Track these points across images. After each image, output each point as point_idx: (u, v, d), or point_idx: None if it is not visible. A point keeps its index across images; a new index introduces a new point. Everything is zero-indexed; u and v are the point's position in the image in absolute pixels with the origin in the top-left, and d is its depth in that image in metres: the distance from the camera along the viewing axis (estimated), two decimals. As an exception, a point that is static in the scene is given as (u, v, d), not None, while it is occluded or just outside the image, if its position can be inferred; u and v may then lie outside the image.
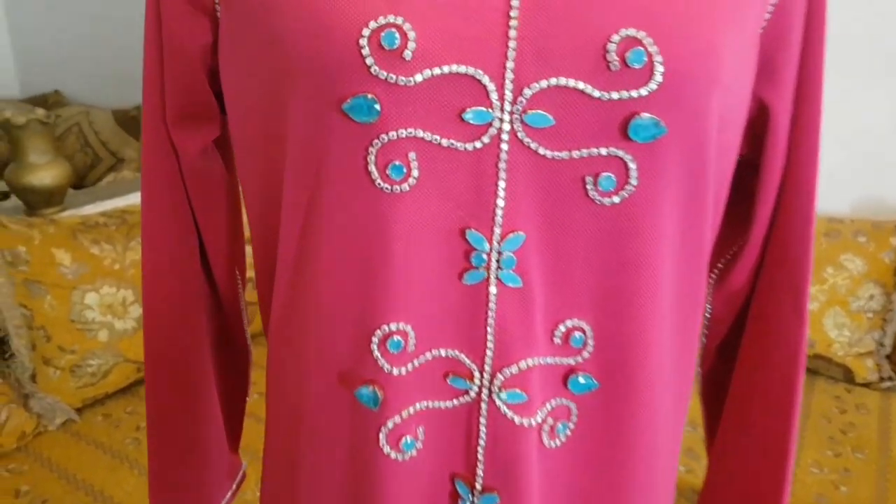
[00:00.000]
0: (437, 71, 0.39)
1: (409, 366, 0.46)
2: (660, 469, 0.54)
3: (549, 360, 0.47)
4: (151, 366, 0.61)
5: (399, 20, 0.39)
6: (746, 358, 0.61)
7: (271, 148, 0.46)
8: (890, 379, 1.64)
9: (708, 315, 0.61)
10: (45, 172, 1.84)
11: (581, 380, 0.47)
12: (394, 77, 0.39)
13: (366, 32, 0.39)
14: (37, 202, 1.89)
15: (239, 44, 0.46)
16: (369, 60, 0.39)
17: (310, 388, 0.49)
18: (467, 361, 0.46)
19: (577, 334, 0.46)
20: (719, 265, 0.60)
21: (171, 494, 0.65)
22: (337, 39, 0.39)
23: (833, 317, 1.65)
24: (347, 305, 0.45)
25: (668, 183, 0.43)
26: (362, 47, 0.39)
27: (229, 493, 0.70)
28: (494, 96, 0.40)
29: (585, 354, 0.47)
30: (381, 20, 0.38)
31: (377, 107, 0.39)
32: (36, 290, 1.55)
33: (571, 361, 0.47)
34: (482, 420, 0.47)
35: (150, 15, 0.51)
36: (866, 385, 1.66)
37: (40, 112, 1.91)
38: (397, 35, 0.38)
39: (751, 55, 0.46)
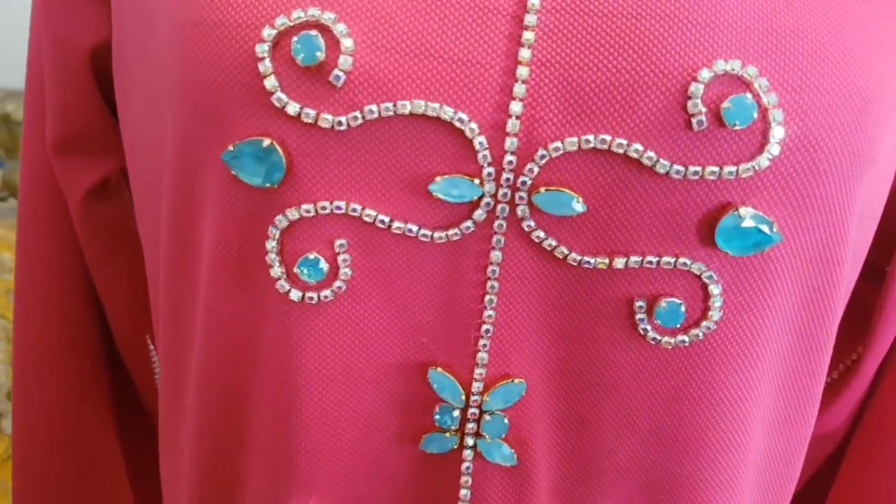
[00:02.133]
0: (387, 108, 0.23)
1: (326, 568, 0.29)
2: None
3: (555, 571, 0.29)
4: (24, 462, 0.46)
5: (327, 16, 0.22)
6: None
7: (152, 206, 0.30)
8: None
9: None
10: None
11: None
12: (312, 113, 0.23)
13: (267, 34, 0.22)
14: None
15: (125, 40, 0.30)
16: (270, 82, 0.23)
17: None
18: (422, 566, 0.29)
19: (602, 535, 0.29)
20: None
21: None
22: (217, 42, 0.23)
23: None
24: (226, 460, 0.29)
25: (771, 320, 0.26)
26: (260, 58, 0.23)
27: None
28: (485, 158, 0.23)
29: (614, 565, 0.29)
30: (297, 15, 0.22)
31: (281, 159, 0.23)
32: (22, 303, 1.43)
33: (590, 575, 0.30)
34: None
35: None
36: None
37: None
38: (321, 42, 0.22)
39: None
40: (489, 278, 0.25)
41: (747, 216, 0.23)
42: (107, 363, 0.46)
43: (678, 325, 0.25)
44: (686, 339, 0.25)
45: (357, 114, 0.23)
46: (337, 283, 0.25)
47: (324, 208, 0.24)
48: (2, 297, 1.43)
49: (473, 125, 0.23)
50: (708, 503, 0.28)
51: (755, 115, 0.22)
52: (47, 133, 0.37)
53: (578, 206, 0.23)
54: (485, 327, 0.26)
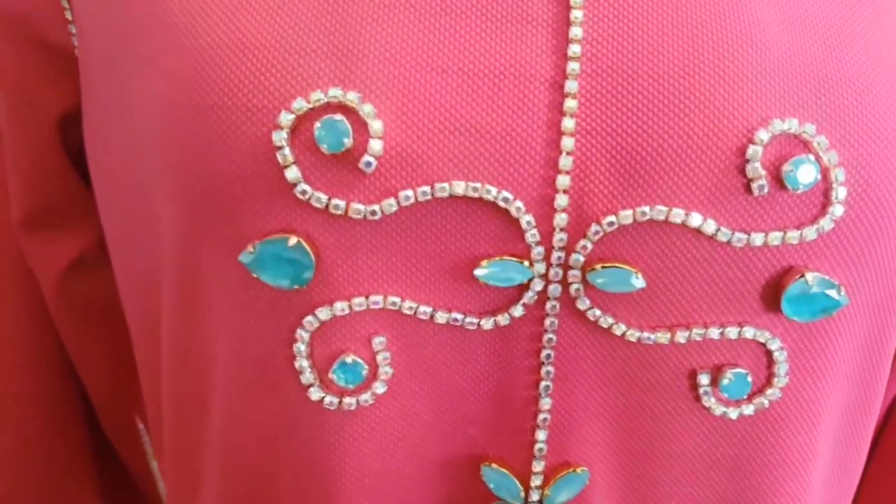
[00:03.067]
0: (424, 192, 0.21)
1: None
2: None
3: None
4: None
5: (351, 97, 0.20)
6: None
7: (148, 294, 0.27)
8: None
9: None
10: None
11: None
12: (342, 205, 0.21)
13: (285, 120, 0.20)
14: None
15: (101, 110, 0.27)
16: (292, 172, 0.20)
17: None
18: None
19: None
20: None
21: None
22: (223, 129, 0.21)
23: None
24: None
25: (834, 380, 0.24)
26: (279, 147, 0.20)
27: None
28: (534, 237, 0.21)
29: None
30: (317, 97, 0.20)
31: (310, 258, 0.21)
32: None
33: None
34: None
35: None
36: None
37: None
38: (347, 127, 0.20)
39: None
40: (543, 363, 0.23)
41: (814, 282, 0.21)
42: (94, 450, 0.42)
43: (744, 396, 0.23)
44: (752, 408, 0.24)
45: (392, 200, 0.21)
46: (377, 385, 0.22)
47: (360, 305, 0.21)
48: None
49: (519, 203, 0.21)
50: None
51: (818, 176, 0.21)
52: (13, 209, 0.33)
53: (638, 282, 0.21)
54: (542, 416, 0.23)
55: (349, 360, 0.22)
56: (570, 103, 0.21)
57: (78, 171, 0.33)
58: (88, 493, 0.43)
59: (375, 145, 0.20)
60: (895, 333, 0.26)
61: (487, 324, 0.22)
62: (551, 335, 0.23)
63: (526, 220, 0.21)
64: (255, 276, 0.21)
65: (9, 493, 0.41)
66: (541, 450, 0.24)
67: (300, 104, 0.20)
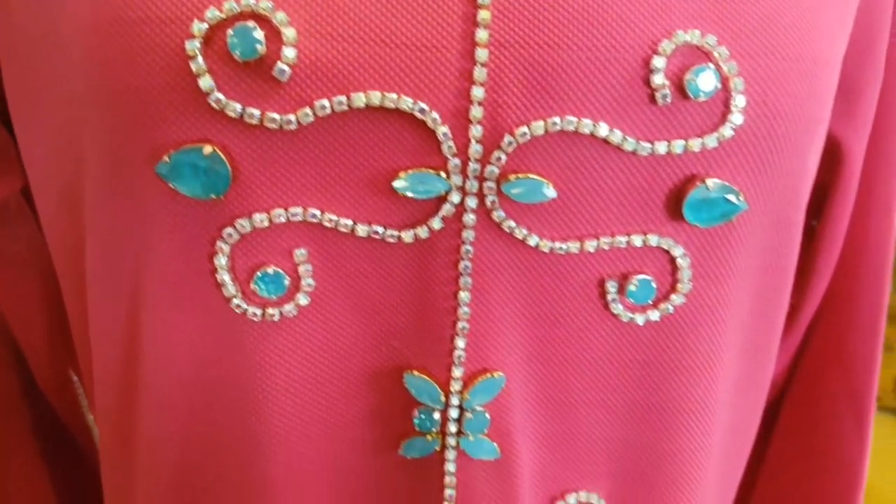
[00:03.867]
0: (340, 102, 0.21)
1: (311, 591, 0.27)
2: None
3: (541, 554, 0.29)
4: None
5: (264, 5, 0.20)
6: (780, 474, 0.45)
7: (71, 229, 0.27)
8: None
9: None
10: None
11: (588, 574, 0.30)
12: (256, 113, 0.21)
13: (197, 29, 0.20)
14: None
15: (23, 56, 0.26)
16: (205, 81, 0.20)
17: None
18: (410, 572, 0.28)
19: (585, 512, 0.29)
20: None
21: None
22: (139, 42, 0.20)
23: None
24: (193, 494, 0.27)
25: (736, 286, 0.26)
26: (191, 56, 0.20)
27: None
28: (450, 149, 0.22)
29: (596, 538, 0.30)
30: (230, 7, 0.20)
31: (226, 167, 0.21)
32: None
33: (574, 550, 0.30)
34: None
35: None
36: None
37: None
38: (260, 33, 0.20)
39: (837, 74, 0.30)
40: (461, 274, 0.24)
41: (714, 187, 0.23)
42: (30, 406, 0.42)
43: (649, 301, 0.25)
44: (657, 313, 0.25)
45: (307, 110, 0.21)
46: (300, 296, 0.23)
47: (279, 216, 0.22)
48: None
49: (435, 115, 0.21)
50: (682, 470, 0.29)
51: (718, 84, 0.22)
52: None
53: (550, 192, 0.22)
54: (460, 325, 0.24)
55: (270, 270, 0.22)
56: (484, 14, 0.21)
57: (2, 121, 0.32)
58: (25, 449, 0.42)
59: (289, 53, 0.20)
60: (796, 247, 0.28)
61: (408, 236, 0.23)
62: (469, 247, 0.23)
63: (442, 131, 0.21)
64: (172, 186, 0.21)
65: None
66: (459, 357, 0.25)
67: (213, 13, 0.20)
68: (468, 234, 0.23)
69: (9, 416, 0.41)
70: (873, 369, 0.42)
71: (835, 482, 0.43)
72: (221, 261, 0.22)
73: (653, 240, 0.24)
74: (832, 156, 0.34)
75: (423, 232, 0.23)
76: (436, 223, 0.23)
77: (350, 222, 0.22)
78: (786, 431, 0.45)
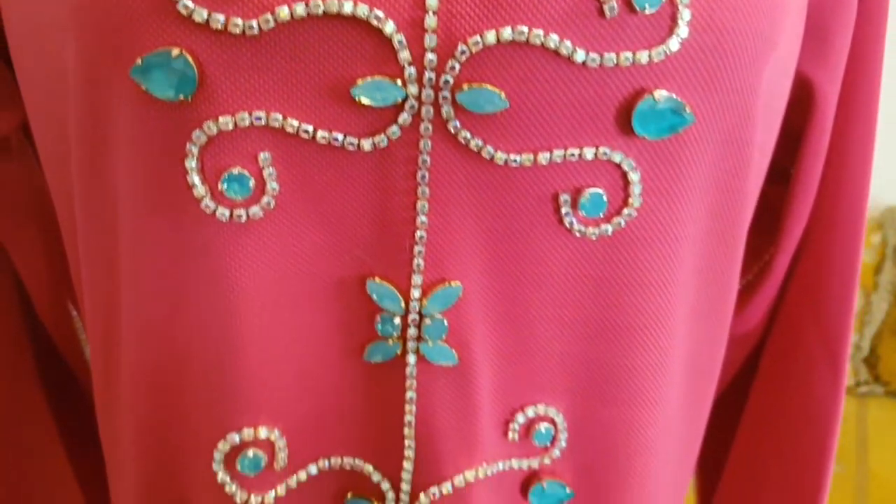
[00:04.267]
0: (300, 9, 0.22)
1: (280, 488, 0.29)
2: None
3: (501, 465, 0.31)
4: None
5: None
6: (757, 419, 0.46)
7: (59, 145, 0.28)
8: (867, 383, 1.54)
9: None
10: None
11: (548, 489, 0.32)
12: (221, 19, 0.22)
13: None
14: None
15: None
16: None
17: None
18: (374, 475, 0.30)
19: (544, 426, 0.31)
20: None
21: None
22: None
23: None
24: (168, 402, 0.29)
25: (687, 202, 0.27)
26: None
27: None
28: (406, 57, 0.23)
29: (555, 453, 0.31)
30: None
31: (192, 70, 0.22)
32: None
33: (535, 464, 0.31)
34: None
35: None
36: (847, 391, 1.56)
37: None
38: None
39: (803, 11, 0.30)
40: (419, 184, 0.25)
41: (661, 99, 0.24)
42: (31, 339, 0.44)
43: (601, 215, 0.26)
44: (609, 227, 0.27)
45: (268, 16, 0.22)
46: (265, 199, 0.24)
47: (243, 120, 0.23)
48: None
49: (391, 23, 0.22)
50: (639, 388, 0.31)
51: (663, -3, 0.23)
52: None
53: (502, 102, 0.23)
54: (419, 233, 0.26)
55: (236, 171, 0.24)
56: None
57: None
58: (27, 382, 0.44)
59: (251, -40, 0.21)
60: (749, 170, 0.29)
61: (367, 145, 0.24)
62: (426, 156, 0.25)
63: (398, 39, 0.23)
64: (144, 88, 0.22)
65: None
66: (419, 265, 0.26)
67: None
68: (425, 144, 0.24)
69: (12, 346, 0.43)
70: (848, 314, 0.42)
71: (810, 428, 0.44)
72: (191, 163, 0.23)
73: (604, 153, 0.25)
74: (804, 97, 0.35)
75: (381, 141, 0.24)
76: (393, 132, 0.24)
77: (310, 128, 0.23)
78: (764, 381, 0.46)
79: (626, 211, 0.26)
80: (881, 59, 0.36)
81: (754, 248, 0.43)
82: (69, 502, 0.49)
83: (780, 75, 0.29)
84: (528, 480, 0.32)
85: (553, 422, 0.31)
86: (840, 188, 0.39)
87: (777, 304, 0.44)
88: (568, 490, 0.32)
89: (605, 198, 0.26)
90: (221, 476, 0.28)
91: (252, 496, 0.28)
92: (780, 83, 0.30)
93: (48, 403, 0.46)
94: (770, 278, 0.42)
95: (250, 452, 0.27)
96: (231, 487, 0.28)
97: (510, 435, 0.30)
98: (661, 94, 0.24)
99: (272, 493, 0.29)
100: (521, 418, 0.30)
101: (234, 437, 0.27)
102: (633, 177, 0.26)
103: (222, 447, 0.27)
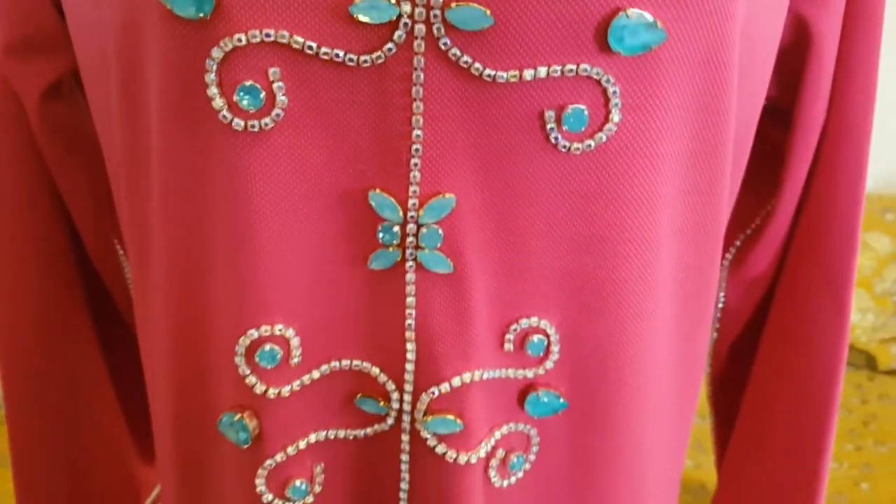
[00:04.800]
0: (303, -65, 0.25)
1: (296, 384, 0.32)
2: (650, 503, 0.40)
3: (498, 372, 0.33)
4: (11, 372, 0.48)
5: None
6: (768, 361, 0.47)
7: (103, 80, 0.32)
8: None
9: (720, 306, 0.47)
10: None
11: (543, 398, 0.34)
12: (233, -57, 0.25)
13: None
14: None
15: None
16: None
17: (169, 417, 0.36)
18: (381, 377, 0.33)
19: (537, 337, 0.33)
20: (736, 244, 0.46)
21: None
22: None
23: (856, 300, 1.50)
24: (195, 304, 0.32)
25: (666, 120, 0.29)
26: None
27: None
28: (398, -22, 0.25)
29: (549, 364, 0.34)
30: None
31: None
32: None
33: (530, 374, 0.34)
34: (404, 456, 0.34)
35: None
36: (890, 373, 1.51)
37: None
38: None
39: None
40: (415, 100, 0.28)
41: (634, 16, 0.26)
42: (79, 270, 0.48)
43: (583, 130, 0.28)
44: (592, 142, 0.29)
45: None
46: (275, 111, 0.27)
47: (254, 36, 0.26)
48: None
49: (382, -55, 0.25)
50: (626, 299, 0.32)
51: (634, -82, 0.24)
52: None
53: (486, 19, 0.26)
54: (414, 147, 0.28)
55: (248, 83, 0.26)
56: None
57: (54, 6, 0.37)
58: (80, 322, 0.49)
59: None
60: (729, 92, 0.30)
61: (366, 61, 0.27)
62: (420, 73, 0.27)
63: (390, -40, 0.25)
64: (168, 7, 0.25)
65: (13, 326, 0.46)
66: (415, 177, 0.29)
67: None
68: (418, 61, 0.27)
69: (65, 285, 0.47)
70: (851, 254, 0.43)
71: (816, 369, 0.45)
72: (211, 77, 0.27)
73: (584, 69, 0.27)
74: (802, 38, 0.36)
75: (378, 57, 0.27)
76: (389, 48, 0.26)
77: (314, 45, 0.26)
78: (773, 325, 0.47)
79: (607, 126, 0.28)
80: (882, 3, 0.37)
81: (760, 193, 0.44)
82: (114, 431, 0.54)
83: (762, 7, 0.30)
84: (525, 391, 0.34)
85: (546, 334, 0.33)
86: (842, 131, 0.40)
87: (784, 248, 0.45)
88: (562, 400, 0.34)
89: (586, 113, 0.28)
90: (243, 369, 0.31)
91: (270, 389, 0.31)
92: (764, 15, 0.31)
93: (97, 339, 0.51)
94: (775, 222, 0.43)
95: (268, 346, 0.31)
96: (251, 379, 0.31)
97: (506, 346, 0.33)
98: (633, 11, 0.26)
99: (288, 388, 0.32)
100: (515, 329, 0.32)
101: (254, 333, 0.31)
102: (613, 93, 0.28)
103: (243, 342, 0.31)
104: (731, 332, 0.50)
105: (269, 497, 0.33)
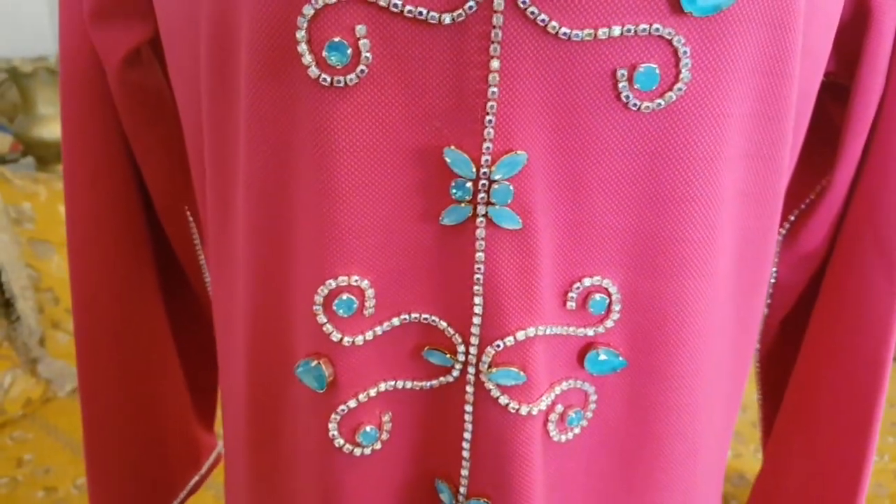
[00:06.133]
0: None
1: (369, 334, 0.34)
2: (701, 469, 0.41)
3: (560, 329, 0.34)
4: (83, 329, 0.51)
5: None
6: (818, 338, 0.47)
7: (190, 47, 0.34)
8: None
9: (773, 281, 0.48)
10: (55, 125, 1.76)
11: (602, 356, 0.35)
12: None
13: None
14: (48, 157, 1.82)
15: None
16: None
17: (244, 365, 0.38)
18: (448, 330, 0.34)
19: (599, 296, 0.34)
20: (790, 218, 0.46)
21: (114, 489, 0.56)
22: None
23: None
24: (276, 254, 0.34)
25: (734, 81, 0.30)
26: None
27: (193, 481, 0.60)
28: (482, -60, 0.27)
29: (609, 323, 0.35)
30: None
31: None
32: (43, 250, 1.47)
33: (590, 332, 0.35)
34: (468, 407, 0.35)
35: None
36: (934, 366, 1.48)
37: (51, 60, 1.83)
38: None
39: None
40: (492, 57, 0.29)
41: (708, -24, 0.27)
42: (151, 233, 0.50)
43: (654, 89, 0.29)
44: (662, 101, 0.29)
45: None
46: (360, 68, 0.29)
47: (343, -5, 0.27)
48: (25, 245, 1.47)
49: None
50: (688, 258, 0.33)
51: None
52: (84, 2, 0.40)
53: (565, -21, 0.27)
54: (490, 104, 0.30)
55: (336, 40, 0.28)
56: None
57: None
58: (150, 284, 0.51)
59: None
60: (794, 56, 0.31)
61: (447, 18, 0.28)
62: (498, 31, 0.28)
63: (475, -76, 0.26)
64: None
65: (90, 283, 0.49)
66: (489, 134, 0.30)
67: None
68: (497, 19, 0.28)
69: (136, 239, 0.50)
70: None
71: (867, 340, 0.45)
72: (301, 34, 0.28)
73: (656, 29, 0.28)
74: (861, 13, 0.36)
75: (459, 15, 0.28)
76: (470, 6, 0.28)
77: (399, 2, 0.28)
78: (825, 297, 0.47)
79: (677, 86, 0.29)
80: None
81: (816, 168, 0.44)
82: (179, 396, 0.56)
83: None
84: (585, 349, 0.35)
85: (608, 293, 0.34)
86: None
87: (839, 224, 0.45)
88: (621, 359, 0.35)
89: (657, 72, 0.29)
90: (321, 317, 0.33)
91: (345, 337, 0.33)
92: None
93: (164, 302, 0.53)
94: (831, 195, 0.43)
95: (345, 296, 0.32)
96: (328, 327, 0.33)
97: (568, 304, 0.34)
98: (708, -30, 0.26)
99: (361, 337, 0.33)
100: (577, 287, 0.34)
101: (332, 283, 0.32)
102: (683, 51, 0.28)
103: (322, 291, 0.32)
104: (783, 308, 0.50)
105: (341, 441, 0.35)
